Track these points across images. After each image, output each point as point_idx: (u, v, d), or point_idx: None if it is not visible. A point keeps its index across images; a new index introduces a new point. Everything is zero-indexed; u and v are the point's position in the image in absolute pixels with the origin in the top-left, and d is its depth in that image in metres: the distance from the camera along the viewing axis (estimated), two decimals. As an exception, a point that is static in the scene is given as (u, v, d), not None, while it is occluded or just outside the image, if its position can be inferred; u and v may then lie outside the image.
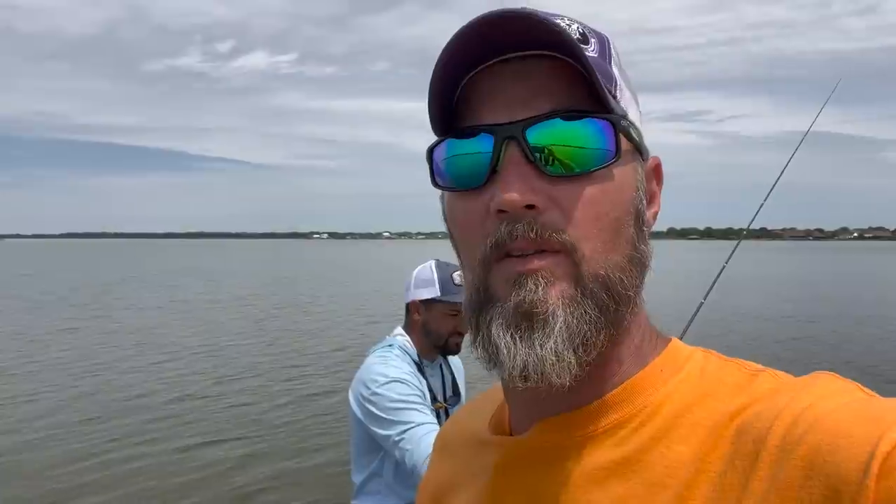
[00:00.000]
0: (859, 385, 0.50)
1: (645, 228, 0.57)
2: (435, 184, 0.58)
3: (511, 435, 0.62)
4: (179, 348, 12.70)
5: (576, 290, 0.52)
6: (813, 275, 37.86)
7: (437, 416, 2.20)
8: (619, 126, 0.53)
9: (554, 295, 0.51)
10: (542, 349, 0.50)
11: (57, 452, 6.75)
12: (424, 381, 2.21)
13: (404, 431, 1.95)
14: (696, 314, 2.60)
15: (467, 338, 0.59)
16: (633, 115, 0.57)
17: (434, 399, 2.23)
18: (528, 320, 0.51)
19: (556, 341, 0.50)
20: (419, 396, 2.08)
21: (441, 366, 2.36)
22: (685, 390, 0.54)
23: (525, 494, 0.57)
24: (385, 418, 2.00)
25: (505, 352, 0.51)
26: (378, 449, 2.10)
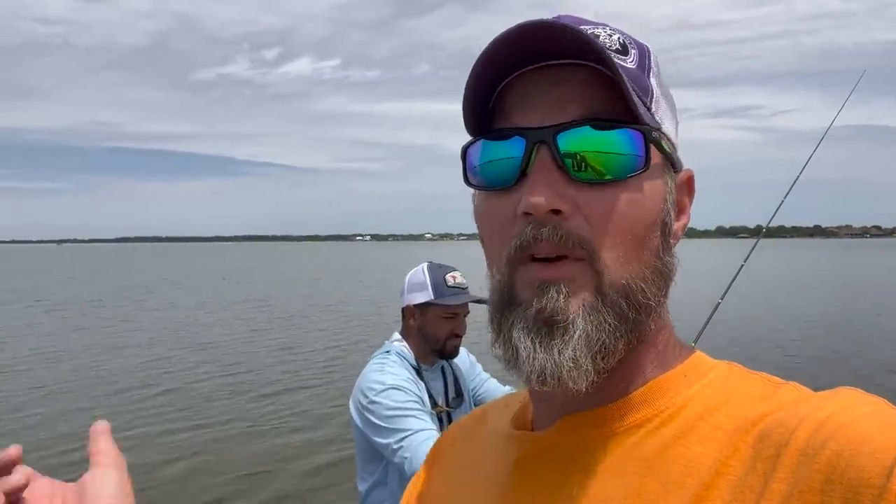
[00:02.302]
0: (885, 400, 0.49)
1: (671, 240, 0.58)
2: (467, 182, 0.60)
3: (532, 430, 0.63)
4: (198, 344, 13.29)
5: (596, 299, 0.53)
6: (862, 274, 36.35)
7: (440, 420, 2.18)
8: (650, 137, 0.54)
9: (575, 304, 0.52)
10: (560, 356, 0.52)
11: (49, 436, 7.22)
12: (423, 387, 2.19)
13: (402, 439, 1.94)
14: (713, 314, 2.60)
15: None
16: (668, 128, 0.58)
17: (434, 403, 2.21)
18: (548, 326, 0.52)
19: (574, 349, 0.52)
20: (417, 403, 2.06)
21: (442, 368, 2.33)
22: (707, 395, 0.55)
23: (544, 488, 0.58)
24: (383, 426, 2.00)
25: (524, 355, 0.53)
26: (381, 457, 2.08)
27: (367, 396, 2.06)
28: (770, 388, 0.54)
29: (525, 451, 0.61)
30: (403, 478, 2.00)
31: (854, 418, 0.46)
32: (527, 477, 0.60)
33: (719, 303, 2.67)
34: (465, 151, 0.59)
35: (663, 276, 0.57)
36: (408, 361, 2.22)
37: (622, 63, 0.54)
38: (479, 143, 0.57)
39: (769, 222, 2.93)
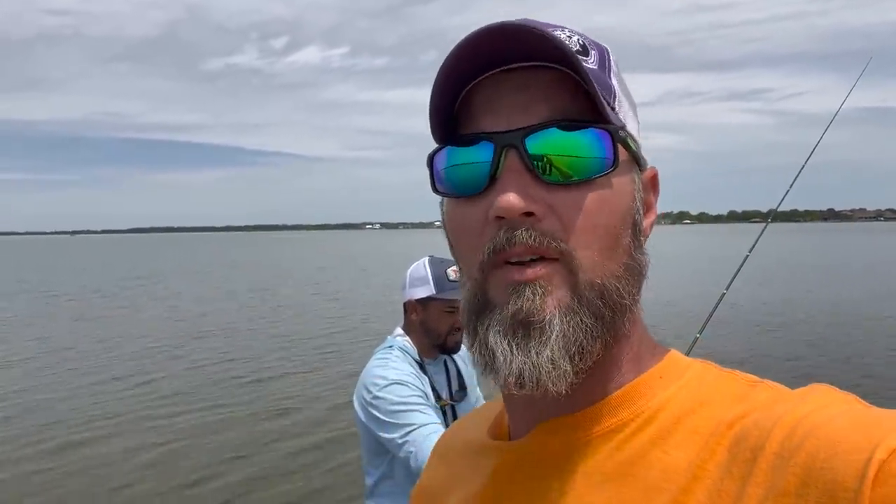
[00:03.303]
0: (857, 397, 0.50)
1: (642, 238, 0.58)
2: (435, 190, 0.60)
3: (510, 440, 0.63)
4: (201, 333, 13.53)
5: (572, 298, 0.52)
6: (875, 258, 36.00)
7: (444, 414, 2.19)
8: (617, 136, 0.54)
9: (551, 304, 0.52)
10: (538, 357, 0.51)
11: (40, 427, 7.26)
12: (427, 381, 2.19)
13: (407, 434, 1.95)
14: (717, 305, 2.56)
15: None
16: (631, 127, 0.58)
17: (438, 397, 2.21)
18: (524, 328, 0.52)
19: (552, 350, 0.51)
20: (421, 397, 2.06)
21: (445, 361, 2.33)
22: (684, 397, 0.55)
23: (522, 497, 0.57)
24: (388, 421, 2.01)
25: (501, 359, 0.52)
26: (387, 451, 2.09)
27: (370, 392, 2.07)
28: (744, 387, 0.54)
29: (502, 461, 0.61)
30: (410, 471, 2.00)
31: (828, 418, 0.45)
32: (505, 487, 0.59)
33: (724, 293, 2.64)
34: (431, 159, 0.59)
35: (636, 274, 0.57)
36: (410, 356, 2.22)
37: (585, 64, 0.55)
38: (446, 151, 0.57)
39: (777, 208, 2.90)
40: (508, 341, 0.52)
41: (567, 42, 0.55)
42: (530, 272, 0.52)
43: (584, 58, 0.56)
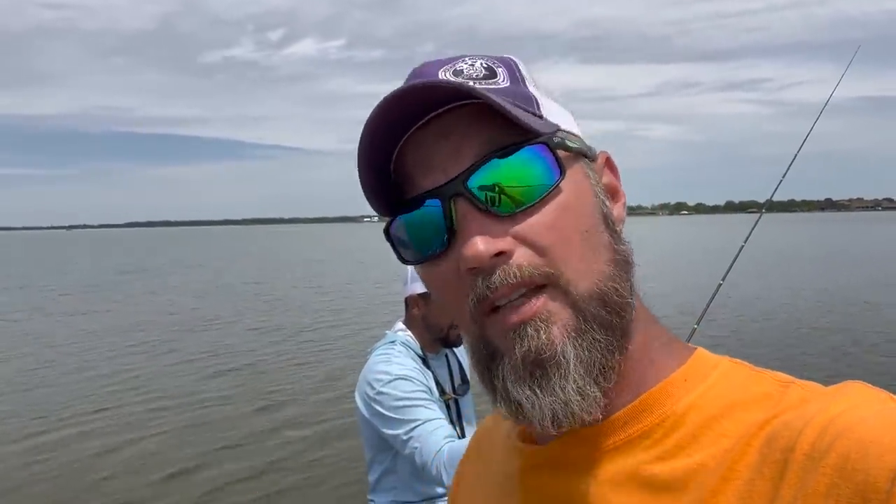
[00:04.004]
0: (891, 395, 0.48)
1: (617, 228, 0.58)
2: (403, 260, 0.59)
3: (536, 443, 0.62)
4: (195, 327, 13.60)
5: (577, 318, 0.51)
6: (873, 248, 36.06)
7: (447, 408, 2.20)
8: (552, 143, 0.53)
9: (557, 333, 0.51)
10: (563, 392, 0.50)
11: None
12: (430, 375, 2.20)
13: (412, 429, 1.95)
14: (714, 296, 2.56)
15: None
16: (565, 124, 0.57)
17: (442, 391, 2.22)
18: (540, 367, 0.50)
19: (574, 380, 0.50)
20: (424, 392, 2.07)
21: (447, 355, 2.34)
22: (711, 399, 0.53)
23: (547, 502, 0.57)
24: (392, 417, 2.01)
25: (528, 406, 0.51)
26: (390, 446, 2.10)
27: (373, 388, 2.07)
28: (776, 387, 0.52)
29: (529, 465, 0.61)
30: (414, 466, 2.01)
31: (861, 418, 0.44)
32: (531, 492, 0.59)
33: (720, 284, 2.63)
34: (387, 233, 0.58)
35: (624, 266, 0.56)
36: (413, 351, 2.22)
37: (495, 86, 0.55)
38: (398, 221, 0.56)
39: (772, 197, 2.91)
40: (529, 386, 0.51)
41: (471, 70, 0.55)
42: (525, 309, 0.51)
43: (493, 80, 0.55)
